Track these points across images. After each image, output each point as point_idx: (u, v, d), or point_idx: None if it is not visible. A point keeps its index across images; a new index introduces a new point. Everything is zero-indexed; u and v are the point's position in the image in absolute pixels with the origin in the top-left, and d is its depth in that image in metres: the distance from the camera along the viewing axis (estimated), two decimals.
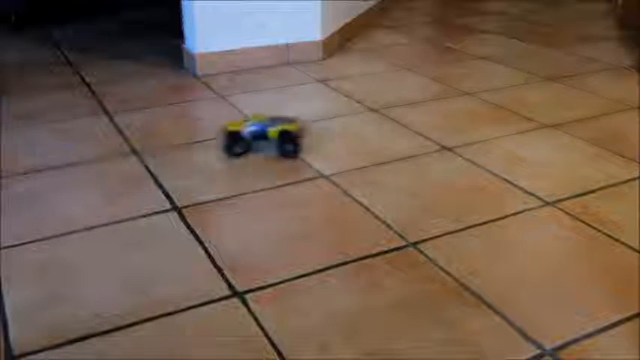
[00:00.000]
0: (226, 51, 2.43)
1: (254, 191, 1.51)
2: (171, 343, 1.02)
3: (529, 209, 1.41)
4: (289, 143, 1.64)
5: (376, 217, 1.39)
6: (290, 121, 1.68)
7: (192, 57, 2.42)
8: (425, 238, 1.30)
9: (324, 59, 2.60)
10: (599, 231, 1.32)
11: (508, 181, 1.54)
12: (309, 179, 1.56)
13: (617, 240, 1.29)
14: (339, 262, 1.22)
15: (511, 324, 1.05)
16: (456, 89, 2.22)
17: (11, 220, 1.39)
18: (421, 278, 1.17)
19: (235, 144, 1.66)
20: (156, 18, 3.40)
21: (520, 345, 1.01)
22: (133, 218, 1.39)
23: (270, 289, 1.15)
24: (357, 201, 1.45)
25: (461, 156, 1.68)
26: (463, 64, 2.54)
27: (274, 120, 1.69)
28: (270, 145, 1.69)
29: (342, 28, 2.80)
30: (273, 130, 1.64)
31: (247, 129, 1.65)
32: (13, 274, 1.20)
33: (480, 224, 1.35)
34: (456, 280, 1.17)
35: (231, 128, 1.67)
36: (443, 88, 2.24)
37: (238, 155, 1.67)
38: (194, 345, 1.01)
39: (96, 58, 2.66)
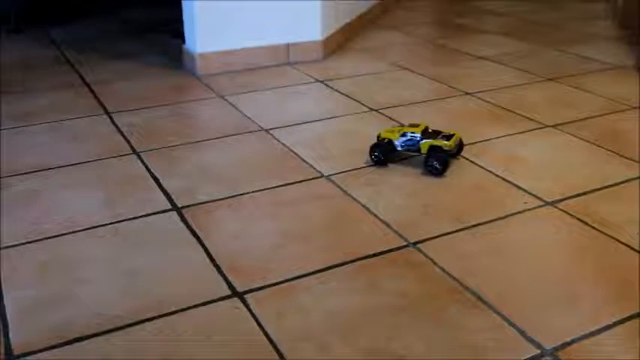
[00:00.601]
0: (226, 51, 2.43)
1: (254, 191, 1.51)
2: (172, 343, 1.02)
3: (529, 209, 1.41)
4: (434, 160, 1.55)
5: (376, 217, 1.39)
6: (447, 136, 1.59)
7: (192, 57, 2.42)
8: (425, 238, 1.30)
9: (324, 59, 2.60)
10: (599, 231, 1.32)
11: (508, 181, 1.54)
12: (309, 179, 1.56)
13: (617, 240, 1.29)
14: (339, 262, 1.23)
15: (511, 324, 1.05)
16: (456, 89, 2.22)
17: (11, 220, 1.39)
18: (421, 278, 1.17)
19: (382, 151, 1.61)
20: (156, 18, 3.40)
21: (520, 345, 1.01)
22: (133, 218, 1.39)
23: (270, 289, 1.15)
24: (357, 201, 1.45)
25: (461, 156, 1.68)
26: (463, 64, 2.54)
27: (430, 132, 1.62)
28: (421, 158, 1.64)
29: (342, 28, 2.80)
30: (423, 144, 1.58)
31: (400, 139, 1.61)
32: (13, 274, 1.20)
33: (479, 224, 1.35)
34: (456, 280, 1.17)
35: (385, 135, 1.63)
36: (443, 88, 2.24)
37: (380, 163, 1.62)
38: (194, 345, 1.01)
39: (96, 57, 2.66)
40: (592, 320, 1.06)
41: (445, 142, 1.57)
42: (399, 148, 1.62)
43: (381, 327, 1.05)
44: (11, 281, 1.18)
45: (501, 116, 1.97)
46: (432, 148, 1.57)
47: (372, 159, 1.63)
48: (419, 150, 1.60)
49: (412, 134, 1.60)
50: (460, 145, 1.65)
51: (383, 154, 1.61)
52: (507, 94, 2.17)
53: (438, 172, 1.56)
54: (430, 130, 1.63)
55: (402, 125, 1.68)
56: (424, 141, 1.58)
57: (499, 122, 1.92)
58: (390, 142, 1.62)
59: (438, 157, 1.55)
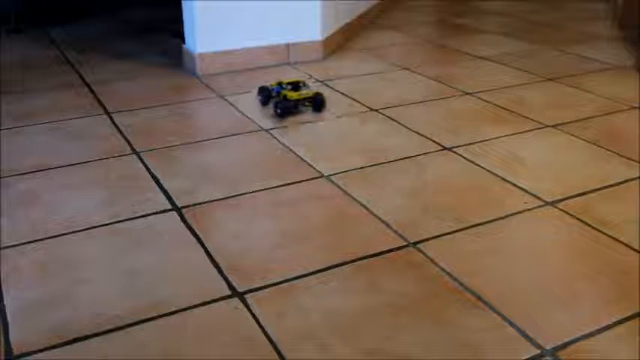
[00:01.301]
0: (226, 51, 2.43)
1: (254, 191, 1.51)
2: (172, 343, 1.02)
3: (529, 209, 1.41)
4: (277, 103, 1.95)
5: (376, 217, 1.39)
6: (300, 88, 2.06)
7: (192, 57, 2.42)
8: (425, 238, 1.30)
9: (324, 59, 2.60)
10: (599, 231, 1.32)
11: (508, 181, 1.54)
12: (309, 179, 1.56)
13: (617, 240, 1.29)
14: (339, 262, 1.23)
15: (511, 324, 1.05)
16: (456, 89, 2.22)
17: (11, 220, 1.39)
18: (421, 278, 1.17)
19: (264, 94, 2.05)
20: (156, 18, 3.40)
21: (520, 345, 1.01)
22: (133, 218, 1.39)
23: (270, 289, 1.15)
24: (357, 201, 1.45)
25: (461, 156, 1.68)
26: (463, 64, 2.54)
27: (297, 86, 2.07)
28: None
29: (342, 28, 2.80)
30: (282, 92, 2.01)
31: (276, 87, 2.06)
32: (14, 274, 1.20)
33: (479, 224, 1.35)
34: (456, 280, 1.17)
35: (272, 83, 2.09)
36: (443, 88, 2.24)
37: (263, 103, 2.06)
38: (194, 345, 1.01)
39: (96, 58, 2.66)
40: (592, 320, 1.06)
41: (292, 93, 1.99)
42: (273, 94, 2.05)
43: (381, 327, 1.05)
44: (11, 281, 1.18)
45: (501, 116, 1.97)
46: (284, 96, 1.99)
47: (259, 99, 2.08)
48: (279, 96, 2.03)
49: (282, 85, 2.06)
50: (315, 101, 1.98)
51: (264, 95, 2.05)
52: (507, 94, 2.17)
53: (278, 115, 1.95)
54: (301, 84, 2.08)
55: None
56: (283, 91, 2.02)
57: (499, 122, 1.92)
58: (267, 89, 2.05)
59: (279, 103, 1.95)
